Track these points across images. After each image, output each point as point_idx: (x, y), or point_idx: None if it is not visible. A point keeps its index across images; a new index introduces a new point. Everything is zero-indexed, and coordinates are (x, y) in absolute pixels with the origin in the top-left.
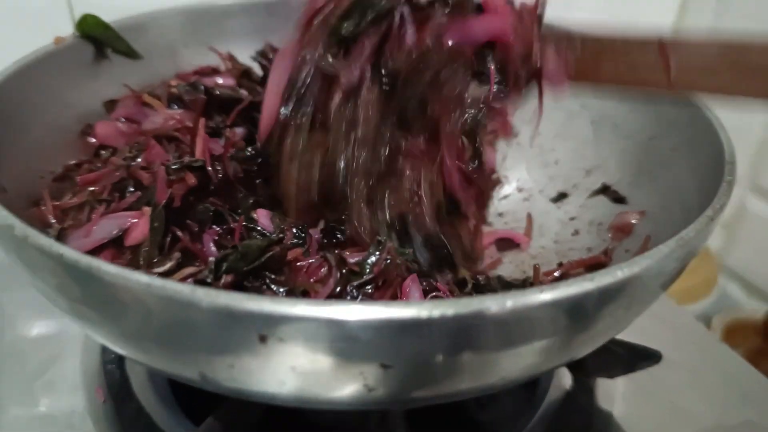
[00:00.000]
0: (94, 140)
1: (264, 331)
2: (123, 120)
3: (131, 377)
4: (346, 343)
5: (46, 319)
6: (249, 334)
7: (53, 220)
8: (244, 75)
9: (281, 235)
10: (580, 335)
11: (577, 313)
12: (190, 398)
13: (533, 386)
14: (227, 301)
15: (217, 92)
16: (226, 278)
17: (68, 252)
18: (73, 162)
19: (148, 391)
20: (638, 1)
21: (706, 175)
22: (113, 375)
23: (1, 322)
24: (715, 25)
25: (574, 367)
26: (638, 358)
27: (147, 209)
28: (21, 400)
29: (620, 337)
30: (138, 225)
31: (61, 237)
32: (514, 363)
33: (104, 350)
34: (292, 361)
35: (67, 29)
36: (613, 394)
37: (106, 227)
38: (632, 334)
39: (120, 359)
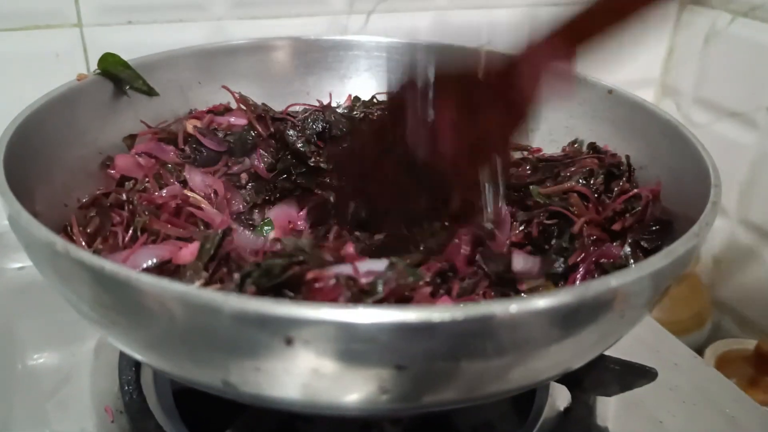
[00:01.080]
0: (113, 171)
1: (291, 333)
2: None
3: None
4: (364, 345)
5: (56, 344)
6: (276, 336)
7: (83, 243)
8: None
9: (301, 257)
10: (576, 341)
11: (573, 319)
12: (197, 418)
13: (529, 404)
14: (257, 306)
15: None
16: (250, 291)
17: (109, 265)
18: (100, 191)
19: (158, 411)
20: (625, 56)
21: (693, 199)
22: (131, 395)
23: (12, 347)
24: (698, 77)
25: (572, 384)
26: (634, 375)
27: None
28: (33, 420)
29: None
30: (188, 248)
31: None
32: (517, 368)
33: (121, 371)
34: (315, 363)
35: (81, 69)
36: (607, 415)
37: (144, 256)
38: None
39: (137, 379)
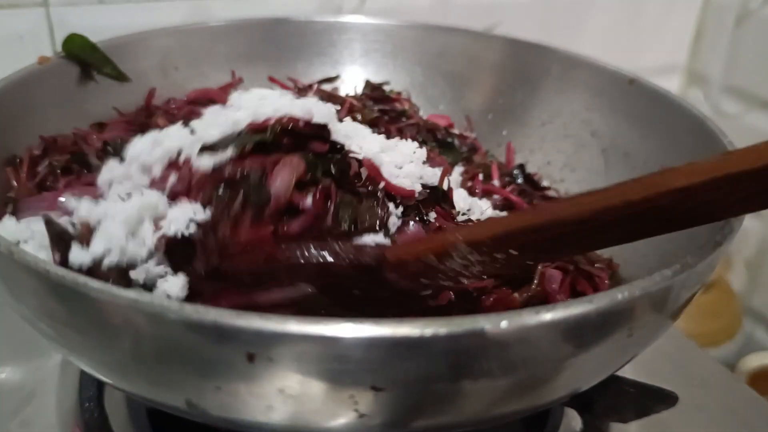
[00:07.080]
0: None
1: (252, 349)
2: None
3: (110, 415)
4: (335, 363)
5: (19, 358)
6: (237, 352)
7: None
8: None
9: None
10: (581, 361)
11: (576, 336)
12: None
13: (541, 424)
14: (215, 317)
15: None
16: None
17: (53, 268)
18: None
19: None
20: (648, 40)
21: None
22: (92, 413)
23: None
24: (728, 63)
25: (584, 409)
26: (653, 400)
27: None
28: None
29: (635, 378)
30: None
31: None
32: (512, 391)
33: (82, 387)
34: (280, 383)
35: (47, 53)
36: None
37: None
38: (651, 377)
39: (99, 396)
